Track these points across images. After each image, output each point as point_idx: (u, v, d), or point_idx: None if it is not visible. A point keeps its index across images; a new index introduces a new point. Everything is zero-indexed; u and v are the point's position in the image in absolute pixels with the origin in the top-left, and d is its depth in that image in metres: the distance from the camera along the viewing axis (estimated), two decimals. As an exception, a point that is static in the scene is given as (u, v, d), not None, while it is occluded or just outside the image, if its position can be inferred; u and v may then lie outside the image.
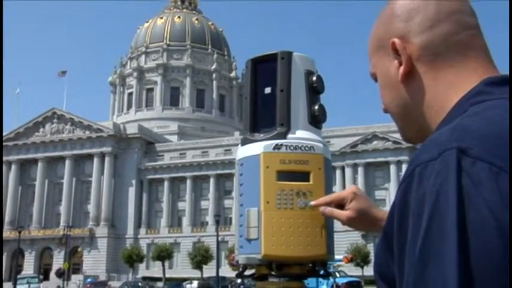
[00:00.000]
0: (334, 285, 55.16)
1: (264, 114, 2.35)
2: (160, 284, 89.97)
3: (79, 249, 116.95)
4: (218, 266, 72.81)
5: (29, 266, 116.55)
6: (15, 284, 76.84)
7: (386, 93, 1.51)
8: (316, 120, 2.33)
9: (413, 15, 1.41)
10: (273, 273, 2.22)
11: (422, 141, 1.35)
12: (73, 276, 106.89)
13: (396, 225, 1.19)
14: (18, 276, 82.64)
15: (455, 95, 1.33)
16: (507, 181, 1.05)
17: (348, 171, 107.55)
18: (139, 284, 78.89)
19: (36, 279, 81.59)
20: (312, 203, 2.16)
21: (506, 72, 1.38)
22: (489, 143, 1.09)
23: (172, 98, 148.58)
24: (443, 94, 1.37)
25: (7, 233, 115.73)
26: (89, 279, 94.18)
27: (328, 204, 2.15)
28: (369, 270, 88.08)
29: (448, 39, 1.38)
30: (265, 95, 2.35)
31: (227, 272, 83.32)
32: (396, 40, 1.41)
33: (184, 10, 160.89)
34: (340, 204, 2.15)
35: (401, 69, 1.41)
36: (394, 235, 1.19)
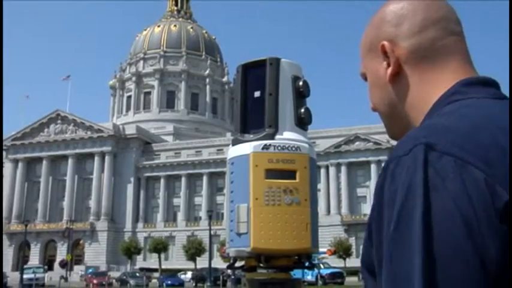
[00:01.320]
0: (319, 275, 55.26)
1: (253, 116, 2.34)
2: (156, 274, 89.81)
3: (81, 242, 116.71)
4: (210, 258, 72.64)
5: (34, 257, 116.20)
6: (22, 274, 77.51)
7: (375, 93, 1.51)
8: (302, 122, 2.33)
9: (402, 20, 1.42)
10: (262, 265, 2.22)
11: None
12: (75, 267, 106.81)
13: (375, 218, 1.19)
14: (25, 266, 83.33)
15: (436, 95, 1.35)
16: (471, 173, 1.06)
17: (332, 170, 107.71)
18: (137, 274, 78.57)
19: (42, 269, 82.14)
20: None
21: (484, 74, 1.39)
22: (457, 138, 1.11)
23: (168, 101, 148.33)
24: (427, 94, 1.38)
25: (14, 226, 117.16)
26: (90, 270, 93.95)
27: None
28: (350, 262, 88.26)
29: (434, 43, 1.39)
30: (255, 98, 2.34)
31: (219, 263, 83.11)
32: (386, 43, 1.42)
33: (180, 19, 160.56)
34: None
35: (390, 70, 1.42)
36: (373, 228, 1.20)
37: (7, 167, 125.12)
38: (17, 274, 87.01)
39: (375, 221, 1.19)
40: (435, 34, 1.39)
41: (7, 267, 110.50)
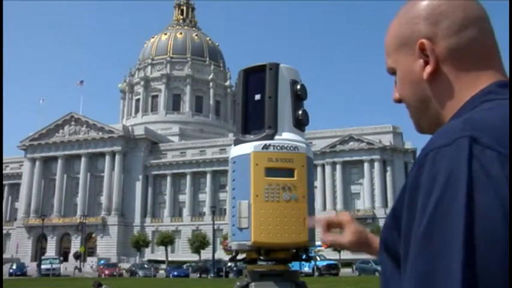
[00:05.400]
0: (315, 267, 55.24)
1: (254, 118, 2.34)
2: (163, 265, 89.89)
3: (93, 235, 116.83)
4: (214, 251, 72.77)
5: (51, 248, 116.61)
6: (40, 264, 79.38)
7: (406, 88, 1.41)
8: (300, 123, 2.33)
9: (441, 19, 1.32)
10: (262, 257, 2.22)
11: (433, 132, 1.30)
12: (88, 259, 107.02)
13: (406, 205, 1.13)
14: (42, 258, 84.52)
15: (470, 93, 1.30)
16: None
17: (328, 169, 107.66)
18: (146, 265, 78.74)
19: (57, 260, 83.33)
20: (321, 237, 1.94)
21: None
22: (498, 134, 1.07)
23: (174, 104, 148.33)
24: (462, 93, 1.31)
25: (32, 220, 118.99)
26: (102, 261, 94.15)
27: (328, 226, 1.95)
28: (345, 254, 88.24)
29: (473, 43, 1.31)
30: (255, 101, 2.34)
31: (222, 255, 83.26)
32: (425, 41, 1.32)
33: (186, 27, 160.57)
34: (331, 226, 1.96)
35: (428, 68, 1.33)
36: (403, 214, 1.13)
37: (25, 165, 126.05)
38: (35, 264, 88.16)
39: (407, 207, 1.12)
40: (474, 34, 1.32)
41: (26, 258, 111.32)
